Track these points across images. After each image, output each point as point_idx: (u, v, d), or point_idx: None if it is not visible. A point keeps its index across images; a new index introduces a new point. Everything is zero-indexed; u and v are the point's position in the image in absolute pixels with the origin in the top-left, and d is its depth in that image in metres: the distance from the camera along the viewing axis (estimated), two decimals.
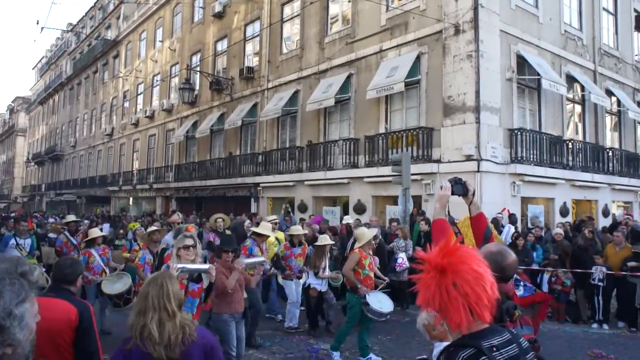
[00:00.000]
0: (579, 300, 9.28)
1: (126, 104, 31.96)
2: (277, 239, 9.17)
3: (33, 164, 53.90)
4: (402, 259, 9.43)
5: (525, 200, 12.96)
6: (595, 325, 8.71)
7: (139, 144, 29.80)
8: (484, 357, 1.66)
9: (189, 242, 4.31)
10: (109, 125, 33.77)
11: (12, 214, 28.77)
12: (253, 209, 17.84)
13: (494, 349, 1.69)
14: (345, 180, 14.54)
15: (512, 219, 11.39)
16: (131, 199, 30.66)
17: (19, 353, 1.26)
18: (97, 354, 2.89)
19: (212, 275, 4.19)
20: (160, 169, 26.36)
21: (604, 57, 16.39)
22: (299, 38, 17.44)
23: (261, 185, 18.08)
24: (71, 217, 10.70)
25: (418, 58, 12.91)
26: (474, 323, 1.67)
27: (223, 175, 20.30)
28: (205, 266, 4.28)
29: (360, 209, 14.00)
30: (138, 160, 29.92)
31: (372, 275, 6.56)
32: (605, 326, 8.69)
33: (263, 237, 7.64)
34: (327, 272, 7.88)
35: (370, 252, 6.80)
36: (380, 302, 6.40)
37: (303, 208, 15.97)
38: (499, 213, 11.09)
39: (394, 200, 12.64)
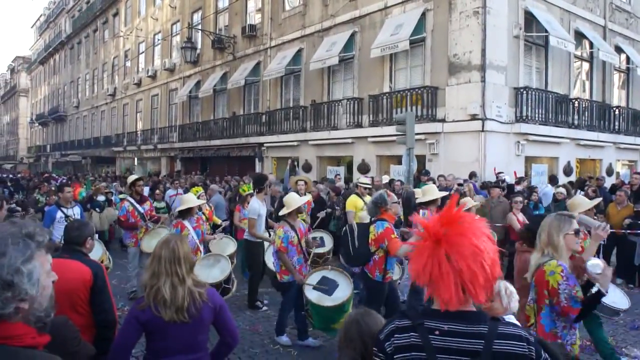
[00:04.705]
0: None
1: (128, 64, 31.61)
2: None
3: (37, 124, 53.92)
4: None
5: (529, 160, 12.97)
6: None
7: (142, 104, 29.68)
8: (413, 334, 1.49)
9: (577, 225, 3.12)
10: (111, 85, 33.56)
11: (29, 177, 29.03)
12: (257, 169, 17.94)
13: (436, 332, 1.46)
14: (350, 140, 14.55)
15: (553, 181, 11.32)
16: (136, 159, 30.82)
17: (36, 308, 1.39)
18: (112, 310, 3.05)
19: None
20: (164, 129, 26.36)
21: (615, 12, 15.97)
22: None
23: (265, 145, 18.10)
24: (133, 176, 8.38)
25: (423, 15, 12.64)
26: (468, 302, 1.48)
27: (227, 135, 20.31)
28: None
29: (364, 168, 14.06)
30: (142, 120, 29.89)
31: None
32: None
33: (433, 206, 6.22)
34: None
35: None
36: (612, 294, 4.27)
37: (307, 168, 16.04)
38: (500, 172, 10.93)
39: (398, 159, 12.68)
